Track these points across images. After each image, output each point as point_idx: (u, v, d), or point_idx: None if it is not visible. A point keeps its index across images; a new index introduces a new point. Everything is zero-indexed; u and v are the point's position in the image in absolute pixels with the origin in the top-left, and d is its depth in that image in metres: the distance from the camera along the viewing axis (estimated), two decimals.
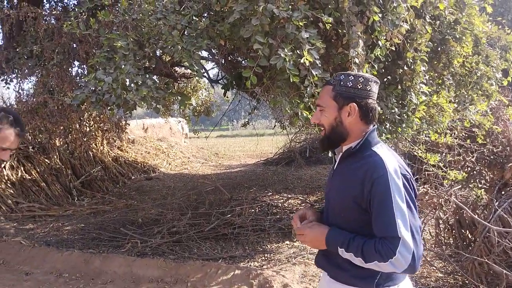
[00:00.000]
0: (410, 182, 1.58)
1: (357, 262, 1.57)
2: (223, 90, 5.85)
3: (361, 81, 1.63)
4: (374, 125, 1.70)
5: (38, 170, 8.09)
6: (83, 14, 4.34)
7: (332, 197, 1.74)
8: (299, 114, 3.09)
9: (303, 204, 7.38)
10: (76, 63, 5.41)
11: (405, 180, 1.56)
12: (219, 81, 7.52)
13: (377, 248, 1.50)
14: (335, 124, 1.67)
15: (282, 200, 7.55)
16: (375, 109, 1.66)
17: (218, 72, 7.72)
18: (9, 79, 5.09)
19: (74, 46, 4.84)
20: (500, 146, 4.26)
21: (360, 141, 1.64)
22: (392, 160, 1.58)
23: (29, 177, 7.90)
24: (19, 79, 5.35)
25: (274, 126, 10.17)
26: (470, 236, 4.01)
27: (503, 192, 3.94)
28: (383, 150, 1.62)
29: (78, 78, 5.31)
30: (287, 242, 5.51)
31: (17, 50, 4.95)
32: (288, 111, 3.28)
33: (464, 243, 4.06)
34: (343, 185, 1.66)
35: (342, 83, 1.64)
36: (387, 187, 1.51)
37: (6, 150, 2.03)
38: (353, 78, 1.63)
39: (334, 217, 1.72)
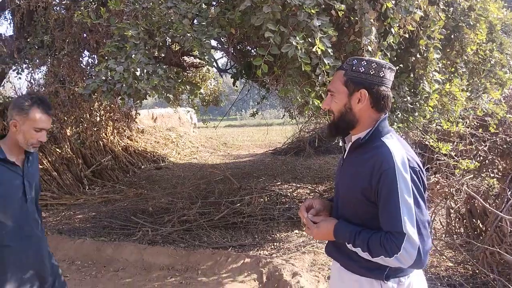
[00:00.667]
0: (419, 175, 1.53)
1: (364, 256, 1.57)
2: (232, 79, 5.82)
3: (374, 66, 1.56)
4: (386, 113, 1.64)
5: (50, 159, 8.19)
6: (93, 3, 4.34)
7: (341, 187, 1.73)
8: (310, 103, 3.08)
9: (312, 194, 7.38)
10: (87, 52, 5.43)
11: (414, 173, 1.51)
12: (228, 71, 7.50)
13: (382, 243, 1.49)
14: (345, 111, 1.62)
15: (291, 190, 7.57)
16: (388, 97, 1.59)
17: (227, 62, 7.69)
18: (20, 69, 5.11)
19: (85, 35, 4.85)
20: None
21: (370, 131, 1.59)
22: (401, 152, 1.53)
23: (41, 167, 7.99)
24: (30, 69, 5.38)
25: (283, 116, 10.13)
26: (481, 226, 3.99)
27: None
28: (393, 141, 1.57)
29: (88, 67, 5.33)
30: (296, 231, 5.54)
31: (28, 40, 4.97)
32: (299, 100, 3.27)
33: (475, 232, 4.04)
34: (351, 176, 1.63)
35: (354, 68, 1.58)
36: (394, 181, 1.48)
37: (41, 131, 2.11)
38: (366, 63, 1.57)
39: (343, 207, 1.71)
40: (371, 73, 1.56)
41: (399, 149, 1.55)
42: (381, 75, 1.57)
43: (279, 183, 8.30)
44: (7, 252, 2.08)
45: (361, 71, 1.57)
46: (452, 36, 3.81)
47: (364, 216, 1.61)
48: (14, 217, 2.11)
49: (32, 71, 5.52)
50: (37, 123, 2.07)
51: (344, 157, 1.74)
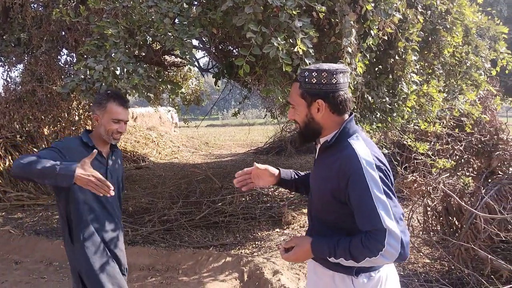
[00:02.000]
0: (386, 173, 1.56)
1: (349, 264, 1.57)
2: (214, 79, 5.81)
3: (324, 76, 1.58)
4: (351, 114, 1.68)
5: None
6: (72, 1, 4.27)
7: (313, 188, 1.77)
8: None
9: (293, 193, 7.44)
10: (65, 51, 5.33)
11: (380, 172, 1.54)
12: (210, 70, 7.47)
13: (365, 244, 1.49)
14: (307, 121, 1.66)
15: (272, 189, 7.60)
16: (346, 100, 1.62)
17: (209, 61, 7.66)
18: None
19: (63, 34, 4.75)
20: (488, 135, 4.34)
21: (336, 133, 1.63)
22: (366, 152, 1.56)
23: None
24: (6, 67, 5.25)
25: (265, 116, 10.17)
26: (457, 223, 4.10)
27: (489, 180, 4.02)
28: (359, 142, 1.60)
29: (67, 66, 5.23)
30: (277, 229, 5.57)
31: (4, 37, 4.85)
32: (280, 100, 3.29)
33: (451, 229, 4.15)
34: (321, 178, 1.67)
35: (307, 80, 1.60)
36: (363, 181, 1.50)
37: (119, 122, 2.30)
38: (316, 74, 1.58)
39: (316, 208, 1.76)
40: (323, 82, 1.58)
41: (364, 149, 1.58)
42: (334, 82, 1.58)
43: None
44: (93, 225, 2.30)
45: (314, 82, 1.59)
46: (430, 39, 3.91)
47: (337, 216, 1.64)
48: (98, 204, 2.32)
49: (8, 69, 5.39)
50: (114, 114, 2.28)
51: (315, 158, 1.79)
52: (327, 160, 1.64)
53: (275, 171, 1.95)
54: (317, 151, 1.76)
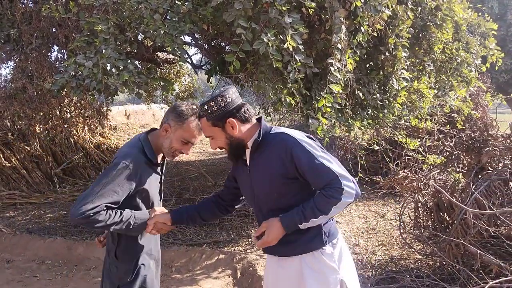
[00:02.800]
0: (315, 140, 1.82)
1: (320, 222, 1.75)
2: (207, 75, 5.80)
3: (219, 100, 1.80)
4: (258, 116, 1.91)
5: (18, 157, 7.94)
6: None
7: (257, 189, 1.88)
8: (282, 99, 3.11)
9: None
10: (56, 47, 5.28)
11: (312, 139, 1.81)
12: (203, 67, 7.45)
13: (327, 195, 1.69)
14: (229, 141, 1.86)
15: None
16: (246, 109, 1.85)
17: (202, 58, 7.64)
18: None
19: (53, 30, 4.71)
20: (478, 131, 4.37)
21: (260, 132, 1.83)
22: (293, 131, 1.82)
23: (9, 165, 7.75)
24: None
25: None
26: (448, 219, 4.13)
27: (479, 176, 4.05)
28: (282, 129, 1.85)
29: (57, 63, 5.19)
30: None
31: None
32: (272, 96, 3.29)
33: (442, 225, 4.18)
34: (264, 171, 1.82)
35: (210, 111, 1.81)
36: (304, 149, 1.73)
37: (187, 144, 2.05)
38: (214, 102, 1.80)
39: (269, 204, 1.86)
40: (222, 105, 1.80)
41: (289, 129, 1.85)
42: (229, 101, 1.81)
43: None
44: (142, 240, 2.16)
45: (215, 109, 1.80)
46: (420, 35, 3.92)
47: (292, 195, 1.81)
48: None
49: None
50: (188, 135, 2.02)
51: (248, 164, 1.90)
52: (263, 155, 1.83)
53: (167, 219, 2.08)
54: (249, 156, 1.89)
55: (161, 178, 2.19)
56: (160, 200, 2.24)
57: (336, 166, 1.72)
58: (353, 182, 1.72)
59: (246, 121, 1.85)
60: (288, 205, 1.80)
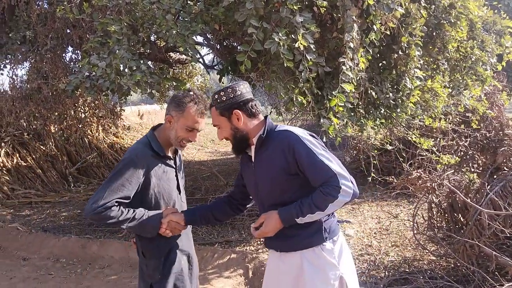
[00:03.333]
0: (318, 139, 1.88)
1: (316, 217, 1.79)
2: (219, 75, 5.81)
3: (229, 91, 1.88)
4: (265, 114, 1.97)
5: (34, 156, 8.07)
6: None
7: (261, 185, 1.94)
8: (294, 99, 3.10)
9: None
10: (70, 48, 5.36)
11: (314, 137, 1.86)
12: (215, 67, 7.48)
13: (325, 192, 1.73)
14: (234, 132, 1.92)
15: None
16: (255, 104, 1.92)
17: (214, 58, 7.67)
18: (2, 65, 5.03)
19: (68, 31, 4.78)
20: (493, 131, 4.30)
21: (265, 128, 1.89)
22: (297, 129, 1.89)
23: (25, 164, 7.88)
24: (12, 65, 5.30)
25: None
26: (462, 220, 4.07)
27: (495, 176, 3.98)
28: (286, 126, 1.92)
29: (72, 63, 5.27)
30: None
31: (10, 35, 4.89)
32: (283, 96, 3.28)
33: (456, 226, 4.12)
34: (268, 167, 1.88)
35: (218, 100, 1.89)
36: (305, 146, 1.78)
37: (193, 131, 2.06)
38: (223, 93, 1.89)
39: (271, 200, 1.91)
40: (231, 96, 1.88)
41: (293, 128, 1.90)
42: (238, 94, 1.88)
43: None
44: (171, 238, 2.15)
45: (224, 99, 1.88)
46: (434, 34, 3.87)
47: (292, 191, 1.85)
48: (176, 207, 2.18)
49: (14, 67, 5.44)
50: (191, 122, 2.02)
51: (253, 160, 1.96)
52: (267, 151, 1.88)
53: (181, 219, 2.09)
54: (253, 152, 1.95)
55: (176, 172, 2.18)
56: (179, 194, 2.22)
57: (335, 164, 1.77)
58: (352, 181, 1.76)
59: (252, 116, 1.92)
60: (290, 201, 1.84)
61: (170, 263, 2.13)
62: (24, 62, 5.50)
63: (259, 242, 5.04)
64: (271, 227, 1.84)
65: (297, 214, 1.78)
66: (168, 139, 2.09)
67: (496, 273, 3.29)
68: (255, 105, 1.93)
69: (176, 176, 2.19)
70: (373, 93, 3.53)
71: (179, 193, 2.23)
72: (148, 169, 2.02)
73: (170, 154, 2.17)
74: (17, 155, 7.91)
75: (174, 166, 2.18)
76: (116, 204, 1.93)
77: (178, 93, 2.09)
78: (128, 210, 1.97)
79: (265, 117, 1.96)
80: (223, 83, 6.95)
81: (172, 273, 2.13)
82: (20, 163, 7.82)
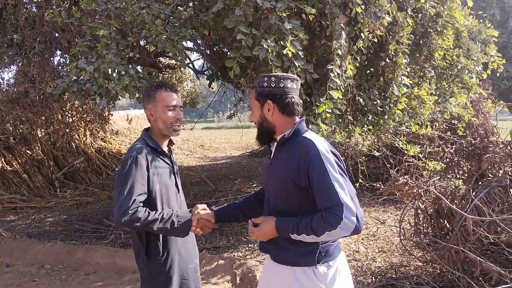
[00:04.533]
0: (339, 158, 1.77)
1: (310, 240, 1.71)
2: (208, 81, 5.82)
3: (273, 80, 1.81)
4: (302, 117, 1.89)
5: (19, 161, 7.96)
6: (65, 2, 4.27)
7: (271, 183, 1.89)
8: None
9: None
10: (58, 52, 5.32)
11: (335, 156, 1.75)
12: (204, 72, 7.49)
13: (325, 219, 1.65)
14: (261, 121, 1.88)
15: None
16: (293, 103, 1.82)
17: (204, 63, 7.68)
18: None
19: (56, 35, 4.75)
20: (479, 138, 4.36)
21: (291, 130, 1.81)
22: (321, 141, 1.78)
23: (10, 168, 7.77)
24: None
25: None
26: (448, 226, 4.11)
27: (480, 183, 4.03)
28: (313, 135, 1.81)
29: (60, 67, 5.22)
30: None
31: None
32: None
33: (442, 232, 4.15)
34: (281, 169, 1.82)
35: (260, 84, 1.84)
36: (321, 164, 1.68)
37: (174, 109, 2.12)
38: (267, 78, 1.83)
39: (275, 202, 1.86)
40: (272, 85, 1.82)
41: (318, 139, 1.80)
42: (281, 86, 1.81)
43: (255, 185, 8.32)
44: (173, 239, 2.15)
45: (265, 85, 1.83)
46: (421, 42, 3.93)
47: (297, 204, 1.78)
48: (173, 207, 2.17)
49: (1, 70, 5.37)
50: (167, 101, 2.11)
51: (272, 156, 1.94)
52: (285, 154, 1.81)
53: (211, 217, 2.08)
54: (274, 149, 1.92)
55: (173, 169, 2.21)
56: (178, 193, 2.23)
57: (346, 193, 1.66)
58: (357, 217, 1.65)
59: (285, 113, 1.83)
60: (292, 211, 1.78)
61: (174, 266, 2.13)
62: (11, 66, 5.43)
63: (247, 248, 5.02)
64: (265, 232, 1.81)
65: (293, 230, 1.72)
66: (160, 132, 2.14)
67: (481, 278, 3.32)
68: (293, 104, 1.83)
69: (174, 174, 2.22)
70: (361, 100, 3.57)
71: (178, 192, 2.24)
72: (149, 164, 2.05)
73: (165, 150, 2.20)
74: (3, 159, 7.79)
75: (171, 163, 2.21)
76: (141, 205, 1.95)
77: (144, 90, 2.21)
78: (155, 211, 1.98)
79: (301, 119, 1.88)
80: (212, 88, 6.96)
81: (176, 276, 2.13)
82: (5, 168, 7.70)
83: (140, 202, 1.95)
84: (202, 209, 2.08)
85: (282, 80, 1.81)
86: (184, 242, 2.20)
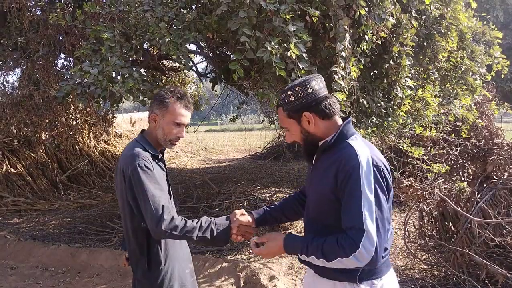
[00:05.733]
0: (383, 174, 1.56)
1: (319, 264, 1.57)
2: (212, 83, 5.83)
3: (299, 90, 1.64)
4: (347, 118, 1.71)
5: (24, 164, 7.99)
6: (69, 5, 4.29)
7: (311, 191, 1.76)
8: None
9: None
10: (62, 55, 5.35)
11: (378, 172, 1.54)
12: (208, 75, 7.49)
13: (340, 243, 1.49)
14: (305, 136, 1.70)
15: (270, 194, 7.59)
16: (330, 103, 1.65)
17: (207, 66, 7.69)
18: None
19: (60, 38, 4.77)
20: (483, 140, 4.34)
21: (335, 135, 1.65)
22: (365, 151, 1.57)
23: (14, 171, 7.80)
24: (3, 71, 5.26)
25: (263, 121, 10.17)
26: (453, 228, 4.09)
27: (485, 185, 4.01)
28: (358, 142, 1.62)
29: (64, 70, 5.24)
30: None
31: (1, 41, 4.87)
32: (275, 103, 3.30)
33: (447, 235, 4.13)
34: (321, 178, 1.66)
35: (286, 101, 1.67)
36: (357, 178, 1.50)
37: (180, 126, 2.01)
38: (291, 92, 1.65)
39: (313, 211, 1.74)
40: (301, 96, 1.64)
41: (363, 148, 1.58)
42: (310, 92, 1.64)
43: (258, 187, 8.32)
44: (172, 246, 2.09)
45: (293, 100, 1.65)
46: (425, 44, 3.92)
47: (333, 217, 1.61)
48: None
49: (5, 73, 5.40)
50: (177, 116, 1.97)
51: (313, 162, 1.78)
52: (327, 161, 1.64)
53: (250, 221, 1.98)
54: (315, 155, 1.75)
55: (167, 176, 2.14)
56: (170, 199, 2.14)
57: (372, 220, 1.48)
58: (377, 249, 1.46)
59: (326, 117, 1.66)
60: (328, 223, 1.64)
61: (175, 274, 2.07)
62: (16, 69, 5.47)
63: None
64: (271, 251, 1.72)
65: (302, 250, 1.59)
66: (157, 140, 2.05)
67: (487, 281, 3.30)
68: (330, 104, 1.65)
69: (167, 179, 2.15)
70: (365, 102, 3.56)
71: (170, 198, 2.16)
72: (155, 168, 1.98)
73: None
74: (7, 162, 7.82)
75: (165, 169, 2.14)
76: (176, 214, 1.89)
77: (160, 91, 2.04)
78: (192, 219, 1.90)
79: (344, 120, 1.70)
80: (216, 91, 6.97)
81: (177, 284, 2.07)
82: (9, 170, 7.73)
83: (170, 207, 1.89)
84: (240, 214, 1.96)
85: (307, 85, 1.64)
86: (181, 247, 2.14)
